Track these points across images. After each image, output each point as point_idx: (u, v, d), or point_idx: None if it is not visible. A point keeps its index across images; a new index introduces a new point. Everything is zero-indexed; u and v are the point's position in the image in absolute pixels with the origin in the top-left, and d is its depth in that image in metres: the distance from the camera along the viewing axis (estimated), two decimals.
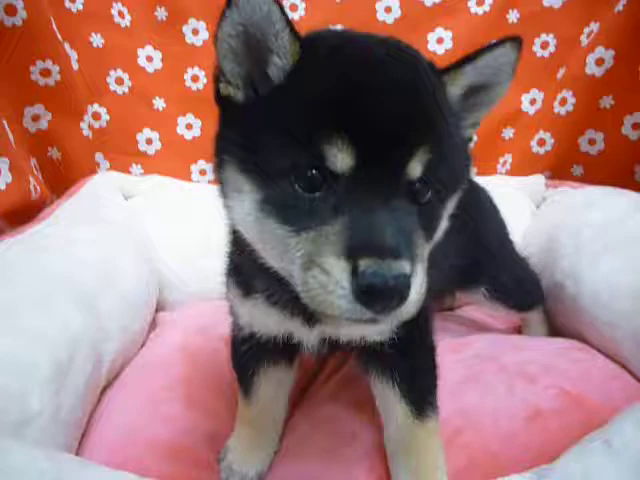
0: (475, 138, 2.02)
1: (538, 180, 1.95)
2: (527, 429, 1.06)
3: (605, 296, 1.33)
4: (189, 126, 2.07)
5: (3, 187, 1.34)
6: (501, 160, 2.09)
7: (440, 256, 1.13)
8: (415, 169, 0.62)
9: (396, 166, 0.61)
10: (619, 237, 1.40)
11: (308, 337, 0.89)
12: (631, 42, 1.70)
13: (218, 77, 0.72)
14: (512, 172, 2.05)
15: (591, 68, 1.79)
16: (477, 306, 1.63)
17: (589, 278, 1.39)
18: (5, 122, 1.42)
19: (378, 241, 0.57)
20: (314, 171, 0.61)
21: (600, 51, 1.76)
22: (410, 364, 0.93)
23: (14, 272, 1.08)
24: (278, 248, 0.65)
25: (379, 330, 0.86)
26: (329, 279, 0.56)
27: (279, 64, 0.67)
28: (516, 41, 0.72)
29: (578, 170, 2.00)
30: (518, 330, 1.62)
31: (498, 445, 1.02)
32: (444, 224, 0.75)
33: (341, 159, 0.59)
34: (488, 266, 1.36)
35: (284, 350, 0.97)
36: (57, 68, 1.60)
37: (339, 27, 2.03)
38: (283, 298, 0.79)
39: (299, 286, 0.62)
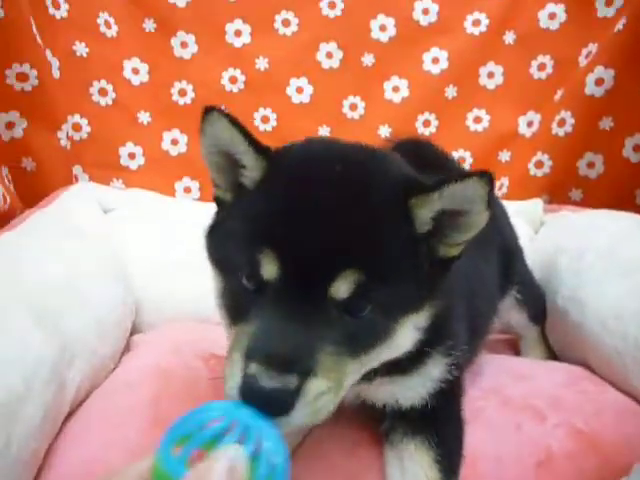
0: (469, 166, 2.01)
1: (536, 204, 1.89)
2: (537, 476, 0.95)
3: (612, 322, 1.24)
4: (175, 141, 2.00)
5: None
6: (497, 184, 2.03)
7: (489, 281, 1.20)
8: (339, 290, 0.64)
9: (318, 285, 0.64)
10: (623, 261, 1.32)
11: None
12: (631, 62, 1.67)
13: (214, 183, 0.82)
14: (509, 196, 1.98)
15: (591, 88, 1.75)
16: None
17: (594, 304, 1.30)
18: None
19: (271, 350, 0.61)
20: (252, 275, 0.67)
21: (600, 71, 1.72)
22: (444, 432, 0.91)
23: None
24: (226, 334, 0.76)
25: (411, 396, 0.89)
26: (230, 371, 0.62)
27: (249, 176, 0.74)
28: (484, 177, 0.66)
29: (577, 194, 1.94)
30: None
31: None
32: (403, 338, 0.75)
33: (268, 270, 0.65)
34: (515, 265, 1.37)
35: None
36: (35, 73, 1.53)
37: (332, 46, 1.99)
38: None
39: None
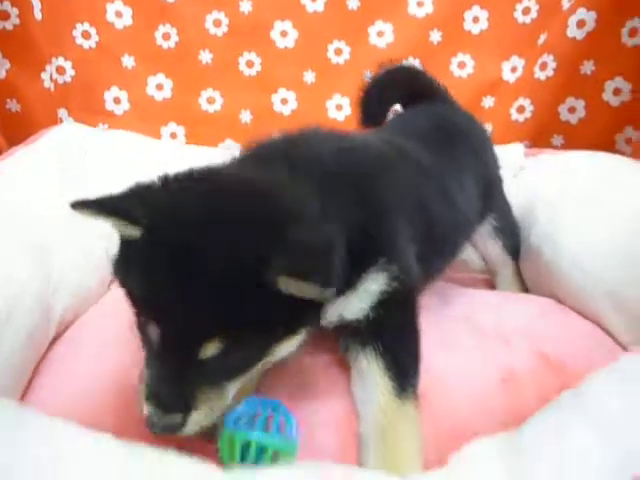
0: None
1: (516, 149, 1.91)
2: (499, 393, 1.01)
3: (585, 260, 1.28)
4: (159, 86, 2.00)
5: None
6: None
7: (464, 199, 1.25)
8: (207, 353, 0.74)
9: (189, 348, 0.74)
10: (601, 202, 1.36)
11: None
12: (613, 3, 1.67)
13: None
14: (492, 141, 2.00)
15: (572, 31, 1.75)
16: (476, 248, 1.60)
17: (569, 243, 1.34)
18: None
19: (158, 397, 0.76)
20: (143, 328, 0.80)
21: (582, 13, 1.72)
22: (392, 339, 0.96)
23: None
24: None
25: (353, 310, 0.96)
26: (139, 406, 0.78)
27: (131, 233, 0.77)
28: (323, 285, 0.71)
29: (558, 140, 1.97)
30: None
31: (467, 409, 0.97)
32: (285, 349, 0.84)
33: (152, 334, 0.77)
34: (495, 194, 1.43)
35: None
36: (16, 11, 1.52)
37: None
38: None
39: None
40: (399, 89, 1.51)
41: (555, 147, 1.97)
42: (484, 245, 1.50)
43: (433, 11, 1.98)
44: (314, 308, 0.80)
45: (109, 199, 0.78)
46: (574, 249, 1.31)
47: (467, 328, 1.20)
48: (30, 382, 1.00)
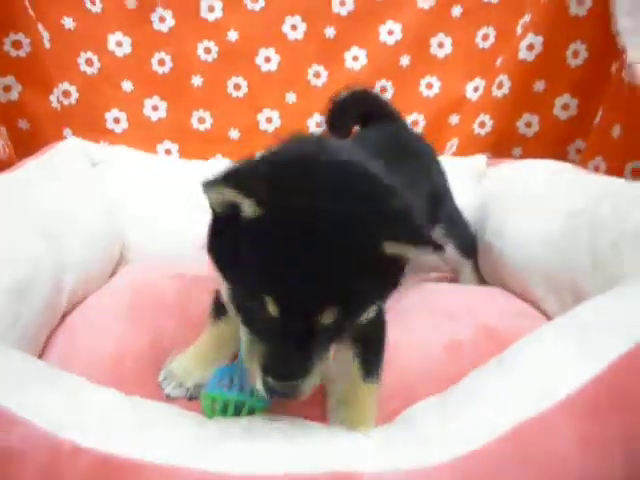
0: (422, 129, 2.22)
1: (479, 159, 2.10)
2: (444, 360, 1.16)
3: (521, 245, 1.48)
4: (155, 107, 2.20)
5: None
6: (448, 144, 2.25)
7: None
8: (324, 321, 0.82)
9: (308, 319, 0.82)
10: (534, 198, 1.56)
11: None
12: (556, 28, 1.88)
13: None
14: (458, 153, 2.20)
15: (523, 53, 1.96)
16: None
17: (510, 232, 1.55)
18: None
19: (277, 370, 0.84)
20: (260, 306, 0.83)
21: (530, 37, 1.93)
22: (365, 336, 1.07)
23: None
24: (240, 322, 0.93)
25: None
26: (254, 377, 0.87)
27: (245, 212, 0.83)
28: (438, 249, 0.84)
29: (518, 151, 2.16)
30: None
31: (414, 375, 1.12)
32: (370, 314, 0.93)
33: (272, 309, 0.82)
34: (442, 204, 1.58)
35: None
36: (28, 41, 1.72)
37: (297, 19, 2.20)
38: None
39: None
40: (357, 109, 1.71)
41: (515, 158, 2.16)
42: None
43: (402, 38, 2.19)
44: (402, 272, 0.92)
45: (235, 177, 0.82)
46: (517, 239, 1.50)
47: (420, 309, 1.37)
48: (41, 353, 1.15)
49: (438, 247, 0.83)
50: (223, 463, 0.71)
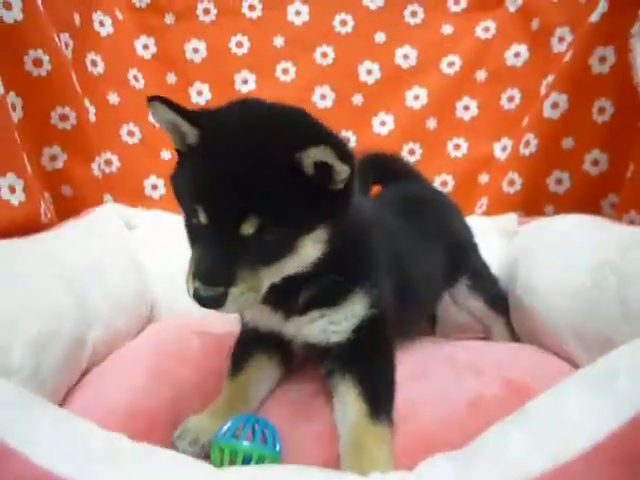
0: (451, 189, 2.23)
1: (510, 219, 2.08)
2: (467, 414, 1.11)
3: (551, 299, 1.43)
4: None
5: (16, 204, 1.53)
6: (478, 204, 2.24)
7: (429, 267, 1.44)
8: (247, 230, 0.90)
9: (232, 227, 0.90)
10: (563, 250, 1.51)
11: (289, 332, 1.16)
12: (580, 87, 1.89)
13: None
14: (488, 213, 2.19)
15: (548, 112, 1.97)
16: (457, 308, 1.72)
17: (539, 287, 1.50)
18: (25, 156, 1.64)
19: (203, 273, 0.91)
20: (195, 217, 0.94)
21: (554, 96, 1.94)
22: (368, 367, 1.08)
23: (21, 260, 1.24)
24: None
25: (337, 331, 1.11)
26: (187, 283, 0.94)
27: (190, 139, 0.98)
28: (327, 145, 0.88)
29: (550, 209, 2.13)
30: None
31: (436, 428, 1.06)
32: (306, 251, 0.98)
33: (202, 217, 0.92)
34: (466, 257, 1.59)
35: (278, 348, 1.22)
36: (74, 114, 1.86)
37: (326, 89, 2.30)
38: (270, 296, 1.03)
39: None
40: (378, 170, 1.74)
41: (548, 215, 2.13)
42: (466, 304, 1.64)
43: (428, 102, 2.26)
44: (330, 204, 0.96)
45: (177, 106, 0.95)
46: (547, 293, 1.44)
47: (445, 363, 1.32)
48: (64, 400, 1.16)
49: (349, 155, 0.91)
50: None
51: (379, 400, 1.04)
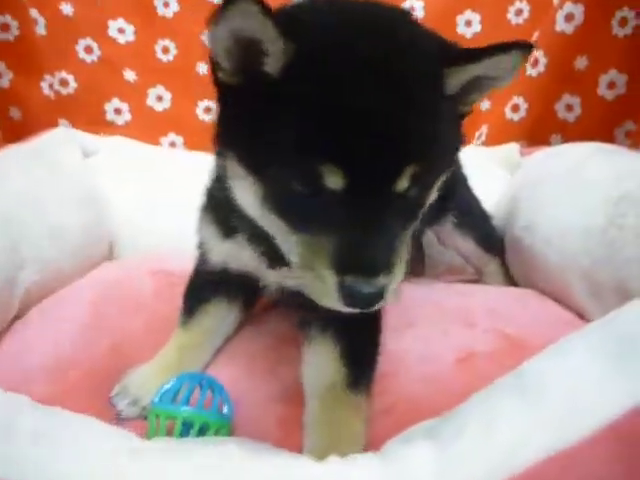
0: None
1: (511, 149, 1.87)
2: (455, 372, 0.98)
3: (556, 238, 1.25)
4: (159, 98, 2.07)
5: None
6: (477, 133, 2.03)
7: None
8: (402, 185, 0.67)
9: (384, 185, 0.66)
10: (575, 183, 1.32)
11: (269, 280, 0.94)
12: None
13: (215, 66, 0.73)
14: (487, 143, 1.98)
15: (561, 25, 1.72)
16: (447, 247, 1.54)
17: (544, 227, 1.32)
18: None
19: (361, 261, 0.66)
20: (309, 183, 0.66)
21: (569, 6, 1.69)
22: (354, 322, 0.87)
23: None
24: (279, 237, 0.75)
25: None
26: (324, 286, 0.68)
27: (273, 64, 0.68)
28: (525, 49, 0.72)
29: (557, 139, 1.91)
30: None
31: (419, 388, 0.94)
32: (433, 197, 0.80)
33: (334, 181, 0.64)
34: (455, 197, 1.36)
35: (244, 291, 1.05)
36: (16, 24, 1.62)
37: None
38: (258, 241, 0.86)
39: (293, 265, 0.74)
40: None
41: (554, 146, 1.92)
42: (454, 243, 1.47)
43: (424, 16, 2.00)
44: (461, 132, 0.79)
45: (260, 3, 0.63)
46: (551, 233, 1.27)
47: (432, 311, 1.16)
48: None
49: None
50: None
51: (362, 365, 0.90)
